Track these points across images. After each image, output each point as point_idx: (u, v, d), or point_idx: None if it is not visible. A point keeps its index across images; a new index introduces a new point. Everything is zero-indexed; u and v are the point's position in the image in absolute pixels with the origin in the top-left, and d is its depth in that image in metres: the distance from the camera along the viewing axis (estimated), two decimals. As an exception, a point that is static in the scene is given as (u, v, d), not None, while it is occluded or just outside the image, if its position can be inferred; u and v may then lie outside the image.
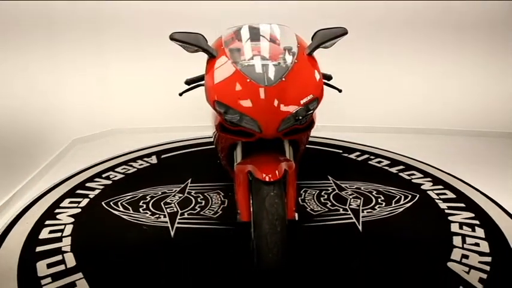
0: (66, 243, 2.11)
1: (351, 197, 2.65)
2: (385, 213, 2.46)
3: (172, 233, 2.23)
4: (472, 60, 3.80)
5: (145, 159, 3.30)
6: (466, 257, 2.02)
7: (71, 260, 1.97)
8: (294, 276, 1.87)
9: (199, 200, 2.60)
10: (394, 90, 3.97)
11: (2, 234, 2.20)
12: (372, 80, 3.91)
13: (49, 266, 1.93)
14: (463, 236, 2.20)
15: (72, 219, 2.35)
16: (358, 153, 3.45)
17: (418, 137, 3.93)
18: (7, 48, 2.62)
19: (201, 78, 2.04)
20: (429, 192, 2.73)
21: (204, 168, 3.10)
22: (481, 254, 2.04)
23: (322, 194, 2.69)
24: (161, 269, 1.94)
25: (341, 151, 3.49)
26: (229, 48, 1.94)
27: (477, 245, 2.12)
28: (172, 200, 2.59)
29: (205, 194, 2.68)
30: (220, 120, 1.78)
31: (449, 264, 1.96)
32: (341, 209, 2.49)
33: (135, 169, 3.10)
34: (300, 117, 1.70)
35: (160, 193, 2.68)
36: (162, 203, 2.55)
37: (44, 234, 2.20)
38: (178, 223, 2.33)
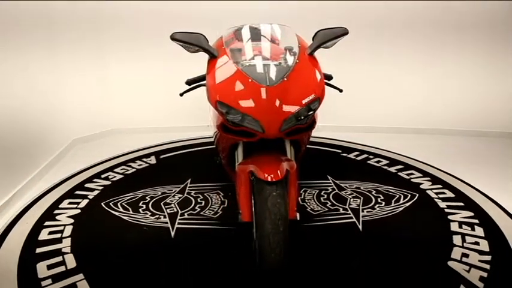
0: (66, 244, 2.10)
1: (350, 196, 2.65)
2: (385, 212, 2.46)
3: (172, 234, 2.23)
4: (472, 60, 3.81)
5: (144, 159, 3.29)
6: (466, 255, 2.03)
7: (71, 261, 1.96)
8: (296, 276, 1.87)
9: (199, 201, 2.59)
10: (394, 90, 3.98)
11: (2, 234, 2.19)
12: (372, 80, 3.92)
13: (49, 267, 1.92)
14: (463, 235, 2.21)
15: (72, 220, 2.34)
16: (357, 153, 3.46)
17: (418, 137, 3.94)
18: (7, 48, 2.62)
19: (202, 78, 2.03)
20: (428, 192, 2.74)
21: (204, 169, 3.09)
22: (481, 252, 2.05)
23: (322, 193, 2.70)
24: (162, 270, 1.93)
25: (340, 151, 3.50)
26: (230, 48, 1.94)
27: (477, 243, 2.13)
28: (172, 201, 2.59)
29: (205, 194, 2.68)
30: (222, 121, 1.77)
31: (450, 263, 1.97)
32: (341, 209, 2.49)
33: (134, 169, 3.09)
34: (302, 117, 1.70)
35: (160, 193, 2.68)
36: (162, 204, 2.54)
37: (44, 235, 2.18)
38: (179, 223, 2.32)
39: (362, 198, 2.63)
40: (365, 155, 3.40)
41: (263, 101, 1.66)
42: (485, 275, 1.88)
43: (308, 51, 1.89)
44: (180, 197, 2.63)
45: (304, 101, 1.70)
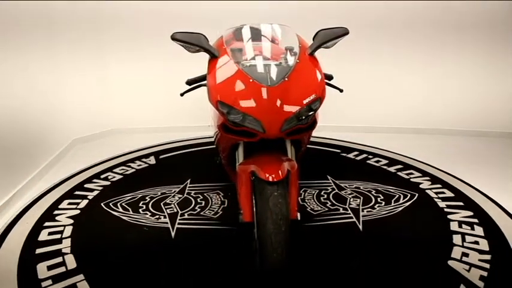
0: (66, 245, 2.09)
1: (350, 196, 2.66)
2: (385, 212, 2.47)
3: (173, 234, 2.23)
4: (472, 60, 3.82)
5: (143, 159, 3.29)
6: (466, 255, 2.03)
7: (71, 262, 1.96)
8: (297, 276, 1.87)
9: (199, 201, 2.59)
10: (394, 90, 3.98)
11: (2, 234, 2.19)
12: (372, 80, 3.92)
13: (49, 268, 1.91)
14: (463, 235, 2.22)
15: (72, 221, 2.33)
16: (356, 152, 3.46)
17: (418, 137, 3.94)
18: (7, 48, 2.61)
19: (202, 78, 2.03)
20: (428, 191, 2.74)
21: (203, 169, 3.09)
22: (481, 252, 2.06)
23: (322, 193, 2.70)
24: (163, 270, 1.93)
25: (339, 151, 3.51)
26: (230, 48, 1.94)
27: (477, 243, 2.14)
28: (172, 201, 2.58)
29: (205, 194, 2.67)
30: (222, 121, 1.77)
31: (450, 262, 1.98)
32: (341, 209, 2.50)
33: (134, 170, 3.09)
34: (303, 117, 1.70)
35: (159, 194, 2.67)
36: (161, 204, 2.54)
37: (43, 236, 2.18)
38: (179, 224, 2.32)
39: (362, 198, 2.63)
40: (364, 155, 3.40)
41: (264, 101, 1.66)
42: (485, 274, 1.89)
43: (309, 51, 1.89)
44: (180, 197, 2.63)
45: (305, 101, 1.70)
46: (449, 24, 3.71)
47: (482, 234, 2.22)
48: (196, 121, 3.60)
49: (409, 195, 2.69)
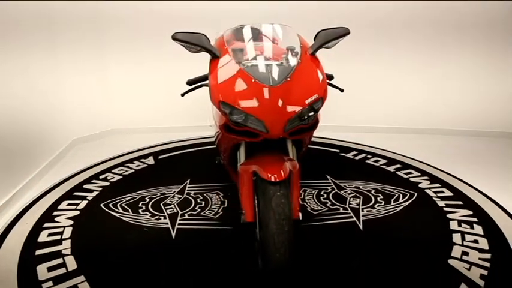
0: (66, 246, 2.08)
1: (350, 196, 2.66)
2: (385, 211, 2.48)
3: (173, 234, 2.22)
4: (472, 60, 3.83)
5: (142, 160, 3.27)
6: (466, 254, 2.04)
7: (71, 263, 1.95)
8: (298, 276, 1.87)
9: (199, 201, 2.58)
10: (394, 90, 3.99)
11: (2, 234, 2.18)
12: (372, 80, 3.93)
13: (50, 269, 1.90)
14: (462, 234, 2.23)
15: (71, 222, 2.32)
16: (355, 152, 3.47)
17: (418, 137, 3.95)
18: (7, 48, 2.60)
19: (203, 78, 2.03)
20: (427, 191, 2.76)
21: (203, 169, 3.08)
22: (481, 250, 2.07)
23: (322, 193, 2.70)
24: (164, 271, 1.92)
25: (338, 150, 3.51)
26: (232, 48, 1.94)
27: (476, 242, 2.15)
28: (172, 201, 2.57)
29: (205, 194, 2.67)
30: (225, 121, 1.77)
31: (450, 261, 1.99)
32: (341, 208, 2.50)
33: (133, 170, 3.07)
34: (305, 117, 1.70)
35: (159, 194, 2.66)
36: (161, 204, 2.53)
37: (43, 237, 2.16)
38: (179, 224, 2.31)
39: (361, 197, 2.64)
40: (363, 155, 3.41)
41: (267, 101, 1.66)
42: (485, 272, 1.90)
43: (310, 51, 1.90)
44: (179, 198, 2.62)
45: (307, 101, 1.70)
46: (450, 24, 3.72)
47: (482, 233, 2.23)
48: (196, 121, 3.60)
49: (408, 194, 2.70)
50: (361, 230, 2.28)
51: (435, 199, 2.64)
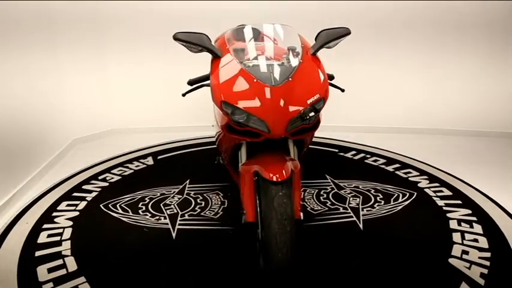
0: (66, 247, 2.07)
1: (349, 195, 2.67)
2: (385, 211, 2.48)
3: (173, 235, 2.22)
4: (472, 60, 3.84)
5: (141, 160, 3.26)
6: (466, 253, 2.05)
7: (72, 264, 1.94)
8: (300, 275, 1.88)
9: (198, 201, 2.58)
10: (394, 90, 3.99)
11: (2, 234, 2.17)
12: (372, 80, 3.93)
13: (50, 270, 1.89)
14: (462, 233, 2.24)
15: (71, 223, 2.31)
16: (354, 152, 3.48)
17: (418, 137, 3.95)
18: (7, 49, 2.59)
19: (204, 78, 2.02)
20: (426, 190, 2.77)
21: (202, 169, 3.08)
22: (481, 249, 2.08)
23: (321, 193, 2.71)
24: (165, 271, 1.92)
25: (337, 150, 3.52)
26: (233, 48, 1.93)
27: (476, 240, 2.16)
28: (172, 202, 2.57)
29: (205, 194, 2.66)
30: (226, 121, 1.76)
31: (451, 260, 2.00)
32: (341, 208, 2.51)
33: (132, 171, 3.06)
34: (307, 117, 1.70)
35: (158, 194, 2.66)
36: (161, 205, 2.52)
37: (43, 238, 2.15)
38: (179, 224, 2.31)
39: (361, 197, 2.65)
40: (362, 154, 3.42)
41: (269, 101, 1.66)
42: (485, 271, 1.91)
43: (311, 51, 1.90)
44: (179, 198, 2.62)
45: (309, 101, 1.70)
46: (450, 24, 3.72)
47: (481, 232, 2.25)
48: (196, 121, 3.60)
49: (407, 194, 2.71)
50: (362, 229, 2.28)
51: (434, 198, 2.65)
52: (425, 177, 2.98)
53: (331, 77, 2.10)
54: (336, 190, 2.75)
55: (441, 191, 2.75)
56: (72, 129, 3.54)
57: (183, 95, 2.11)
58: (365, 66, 3.86)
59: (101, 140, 3.78)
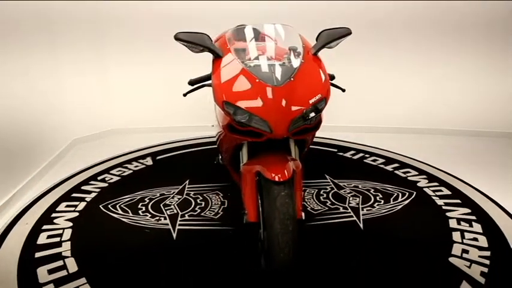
0: (66, 248, 2.06)
1: (349, 195, 2.68)
2: (385, 210, 2.49)
3: (174, 235, 2.21)
4: (472, 60, 3.84)
5: (140, 160, 3.25)
6: (466, 251, 2.06)
7: (72, 265, 1.93)
8: (301, 275, 1.88)
9: (198, 201, 2.57)
10: (394, 90, 3.99)
11: (2, 234, 2.17)
12: (372, 80, 3.93)
13: (50, 271, 1.88)
14: (462, 232, 2.25)
15: (71, 224, 2.30)
16: (353, 151, 3.49)
17: (418, 137, 3.96)
18: (7, 49, 2.58)
19: (205, 78, 2.02)
20: (425, 190, 2.78)
21: (202, 169, 3.07)
22: (480, 248, 2.10)
23: (321, 192, 2.71)
24: (166, 272, 1.91)
25: (336, 150, 3.53)
26: (234, 48, 1.93)
27: (476, 239, 2.18)
28: (172, 202, 2.56)
29: (205, 194, 2.66)
30: (228, 121, 1.76)
31: (451, 259, 2.00)
32: (341, 208, 2.51)
33: (131, 171, 3.05)
34: (309, 117, 1.71)
35: (158, 195, 2.65)
36: (161, 205, 2.52)
37: (42, 239, 2.14)
38: (180, 225, 2.31)
39: (361, 196, 2.65)
40: (361, 154, 3.43)
41: (271, 101, 1.66)
42: (485, 270, 1.92)
43: (312, 51, 1.90)
44: (179, 198, 2.61)
45: (311, 101, 1.71)
46: (450, 24, 3.73)
47: (481, 231, 2.26)
48: (196, 121, 3.58)
49: (407, 193, 2.72)
50: (362, 229, 2.29)
51: (434, 198, 2.66)
52: (424, 176, 2.99)
53: (332, 77, 2.10)
54: (335, 190, 2.75)
55: (440, 191, 2.77)
56: (72, 129, 3.54)
57: (184, 95, 2.11)
58: (365, 66, 3.86)
59: (101, 140, 3.77)
